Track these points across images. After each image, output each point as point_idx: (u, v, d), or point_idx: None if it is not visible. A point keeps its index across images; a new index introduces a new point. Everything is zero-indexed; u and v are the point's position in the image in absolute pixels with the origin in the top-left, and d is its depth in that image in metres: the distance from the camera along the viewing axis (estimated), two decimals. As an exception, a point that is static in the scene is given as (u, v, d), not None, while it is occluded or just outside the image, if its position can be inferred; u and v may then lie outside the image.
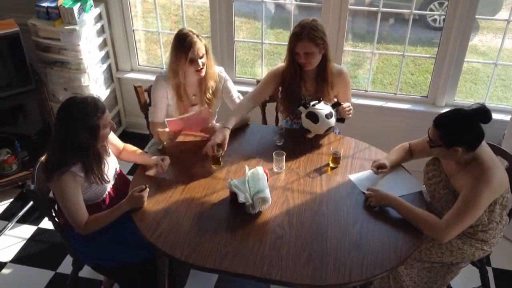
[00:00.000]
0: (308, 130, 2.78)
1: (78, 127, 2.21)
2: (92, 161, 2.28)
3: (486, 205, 2.21)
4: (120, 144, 2.71)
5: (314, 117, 2.72)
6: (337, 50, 3.65)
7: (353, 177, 2.56)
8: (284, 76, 2.87)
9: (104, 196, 2.46)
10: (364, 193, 2.43)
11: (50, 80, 3.75)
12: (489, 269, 3.06)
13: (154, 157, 2.62)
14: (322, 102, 2.75)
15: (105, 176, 2.37)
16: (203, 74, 2.82)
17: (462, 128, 2.17)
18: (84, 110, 2.22)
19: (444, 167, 2.40)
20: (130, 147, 2.73)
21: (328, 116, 2.71)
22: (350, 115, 2.82)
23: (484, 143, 2.27)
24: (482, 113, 2.15)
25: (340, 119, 2.81)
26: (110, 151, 2.52)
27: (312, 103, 2.75)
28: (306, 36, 2.67)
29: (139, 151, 2.72)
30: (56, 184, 2.25)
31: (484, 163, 2.19)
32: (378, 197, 2.34)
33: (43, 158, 2.40)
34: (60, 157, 2.25)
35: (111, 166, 2.49)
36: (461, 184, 2.22)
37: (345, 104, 2.78)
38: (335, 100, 2.82)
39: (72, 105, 2.25)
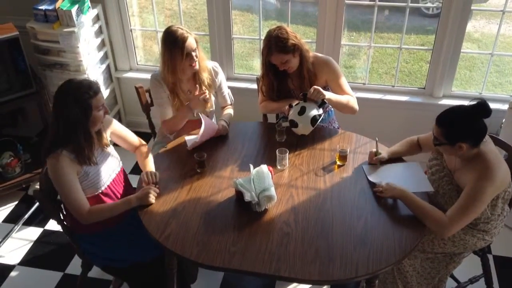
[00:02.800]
0: (304, 135, 2.83)
1: (70, 102, 2.26)
2: (82, 139, 2.30)
3: (488, 201, 2.25)
4: (135, 141, 2.74)
5: (293, 124, 2.77)
6: (334, 44, 3.68)
7: (366, 166, 2.60)
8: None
9: (103, 189, 2.46)
10: (370, 181, 2.48)
11: (50, 82, 3.76)
12: (490, 257, 3.12)
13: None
14: (293, 106, 2.78)
15: (94, 158, 2.38)
16: (197, 67, 2.86)
17: (464, 124, 2.20)
18: (77, 87, 2.29)
19: (447, 162, 2.43)
20: (144, 151, 2.71)
21: (301, 112, 2.73)
22: (322, 95, 2.72)
23: (488, 138, 2.30)
24: (481, 108, 2.17)
25: (321, 104, 2.79)
26: (107, 142, 2.53)
27: (287, 114, 2.84)
28: (275, 49, 2.74)
29: (146, 160, 2.67)
30: (50, 166, 2.30)
31: (487, 159, 2.22)
32: (388, 189, 2.37)
33: None
34: (54, 136, 2.30)
35: (112, 161, 2.52)
36: (465, 180, 2.25)
37: (311, 89, 2.73)
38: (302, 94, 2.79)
39: (66, 83, 2.33)
